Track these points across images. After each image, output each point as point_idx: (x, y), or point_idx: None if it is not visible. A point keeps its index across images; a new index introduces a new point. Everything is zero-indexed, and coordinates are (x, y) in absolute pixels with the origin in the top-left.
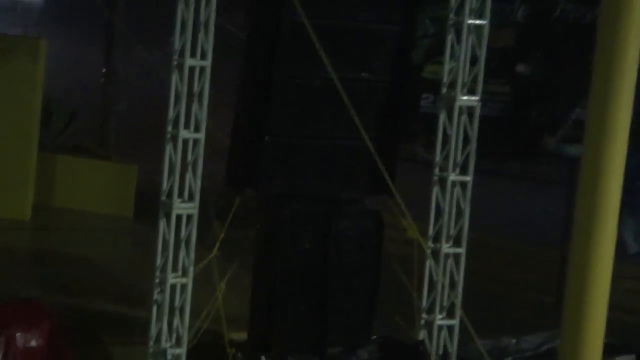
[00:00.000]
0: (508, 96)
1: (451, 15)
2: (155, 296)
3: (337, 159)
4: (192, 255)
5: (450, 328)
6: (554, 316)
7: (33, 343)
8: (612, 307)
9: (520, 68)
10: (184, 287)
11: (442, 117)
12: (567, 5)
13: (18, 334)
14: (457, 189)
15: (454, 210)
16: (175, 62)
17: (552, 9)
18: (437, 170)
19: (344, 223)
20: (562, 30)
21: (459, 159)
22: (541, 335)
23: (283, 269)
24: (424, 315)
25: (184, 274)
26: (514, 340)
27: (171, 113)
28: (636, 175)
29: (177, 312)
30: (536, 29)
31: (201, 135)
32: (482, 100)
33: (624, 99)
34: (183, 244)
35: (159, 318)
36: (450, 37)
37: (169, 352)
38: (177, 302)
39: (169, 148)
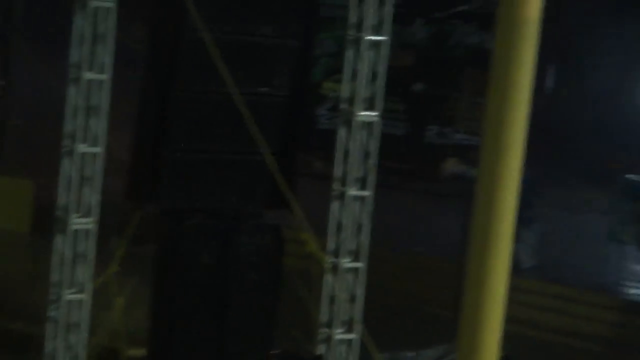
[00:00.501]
0: (403, 114)
1: (350, 31)
2: (51, 313)
3: (237, 174)
4: (90, 271)
5: (349, 342)
6: (452, 329)
7: None
8: (508, 320)
9: (417, 88)
10: (81, 303)
11: (342, 132)
12: (466, 29)
13: None
14: (357, 204)
15: (353, 225)
16: (72, 76)
17: (451, 32)
18: (336, 185)
19: (244, 238)
20: (460, 54)
21: (359, 174)
22: (439, 348)
23: (183, 284)
24: (323, 330)
25: (81, 290)
26: (412, 354)
27: (68, 127)
28: (529, 190)
29: (73, 329)
30: (435, 50)
31: (99, 150)
32: (383, 119)
33: (518, 117)
34: (80, 260)
35: (55, 335)
36: (349, 53)
37: None
38: (73, 319)
39: (66, 162)
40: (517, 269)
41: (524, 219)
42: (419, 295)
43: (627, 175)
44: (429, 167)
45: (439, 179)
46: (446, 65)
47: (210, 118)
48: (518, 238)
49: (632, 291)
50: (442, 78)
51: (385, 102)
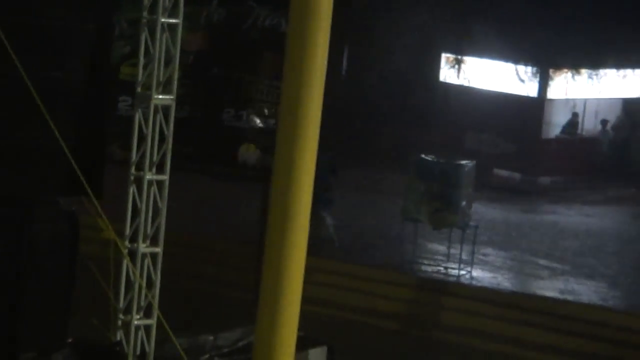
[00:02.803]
0: (200, 98)
1: (145, 14)
2: None
3: (30, 160)
4: None
5: (147, 328)
6: (252, 312)
7: None
8: (306, 300)
9: (214, 72)
10: None
11: (138, 116)
12: (262, 12)
13: None
14: (154, 188)
15: (150, 210)
16: None
17: (247, 15)
18: (133, 170)
19: (38, 225)
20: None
21: (155, 158)
22: (238, 331)
23: None
24: (120, 316)
25: None
26: (211, 337)
27: None
28: (326, 171)
29: None
30: (231, 33)
31: None
32: (180, 104)
33: (313, 100)
34: None
35: None
36: (144, 36)
37: None
38: None
39: None
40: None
41: (322, 201)
42: (218, 279)
43: (421, 155)
44: (226, 152)
45: (237, 164)
46: (242, 48)
47: (1, 103)
48: (316, 220)
49: (427, 268)
50: (238, 61)
51: (182, 86)
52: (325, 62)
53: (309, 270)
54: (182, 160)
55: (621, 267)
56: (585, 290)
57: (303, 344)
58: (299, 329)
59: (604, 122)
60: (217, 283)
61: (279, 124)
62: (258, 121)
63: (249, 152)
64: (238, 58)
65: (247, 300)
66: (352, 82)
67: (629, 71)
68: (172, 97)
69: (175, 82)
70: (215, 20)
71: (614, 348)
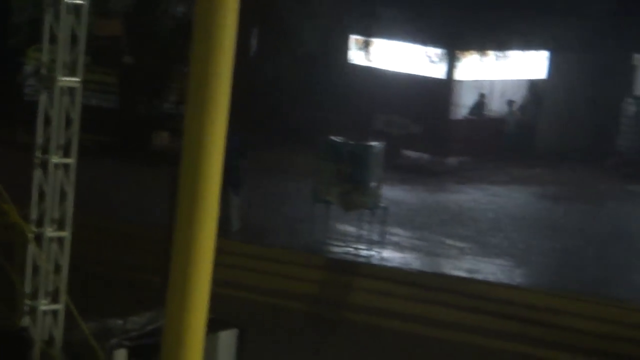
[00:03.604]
0: (114, 86)
1: None
2: None
3: None
4: None
5: (55, 313)
6: (162, 295)
7: None
8: (216, 283)
9: (127, 59)
10: None
11: (43, 99)
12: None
13: None
14: (60, 172)
15: (57, 194)
16: None
17: (160, 1)
18: (38, 153)
19: None
20: (169, 23)
21: (61, 141)
22: (147, 315)
23: None
24: (27, 302)
25: None
26: (120, 322)
27: None
28: (236, 154)
29: None
30: (143, 20)
31: None
32: (91, 91)
33: (221, 82)
34: None
35: None
36: (48, 17)
37: None
38: None
39: None
40: (226, 232)
41: (231, 183)
42: (128, 263)
43: (330, 137)
44: (140, 138)
45: (151, 150)
46: (155, 35)
47: None
48: (226, 202)
49: (337, 249)
50: (151, 48)
51: (96, 73)
52: (234, 44)
53: (218, 253)
54: (93, 145)
55: (527, 246)
56: (492, 269)
57: (213, 327)
58: (209, 312)
59: (510, 103)
60: (126, 267)
61: (187, 106)
62: (171, 108)
63: (162, 138)
64: (151, 45)
65: (157, 283)
66: (261, 64)
67: (534, 53)
68: (78, 79)
69: (82, 64)
70: (126, 6)
71: (520, 325)
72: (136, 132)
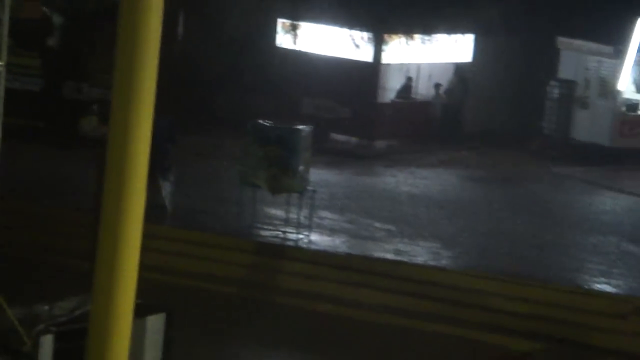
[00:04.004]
0: (40, 70)
1: None
2: None
3: None
4: None
5: None
6: (89, 280)
7: None
8: (144, 267)
9: (51, 42)
10: None
11: None
12: None
13: None
14: None
15: None
16: None
17: None
18: None
19: None
20: (95, 6)
21: None
22: (74, 300)
23: None
24: None
25: None
26: (46, 307)
27: None
28: (164, 137)
29: None
30: (69, 3)
31: None
32: (15, 74)
33: (148, 65)
34: None
35: None
36: None
37: None
38: None
39: None
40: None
41: (159, 167)
42: (54, 247)
43: (258, 121)
44: (66, 123)
45: (77, 134)
46: (82, 18)
47: None
48: (155, 186)
49: (265, 233)
50: (77, 31)
51: (21, 57)
52: (160, 28)
53: (146, 237)
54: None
55: (454, 228)
56: (419, 251)
57: (141, 311)
58: (137, 297)
59: (437, 86)
60: (54, 251)
61: (113, 91)
62: (98, 93)
63: (89, 124)
64: (77, 28)
65: (85, 268)
66: (188, 48)
67: (459, 36)
68: (2, 63)
69: (5, 47)
70: None
71: (447, 307)
72: (62, 116)
